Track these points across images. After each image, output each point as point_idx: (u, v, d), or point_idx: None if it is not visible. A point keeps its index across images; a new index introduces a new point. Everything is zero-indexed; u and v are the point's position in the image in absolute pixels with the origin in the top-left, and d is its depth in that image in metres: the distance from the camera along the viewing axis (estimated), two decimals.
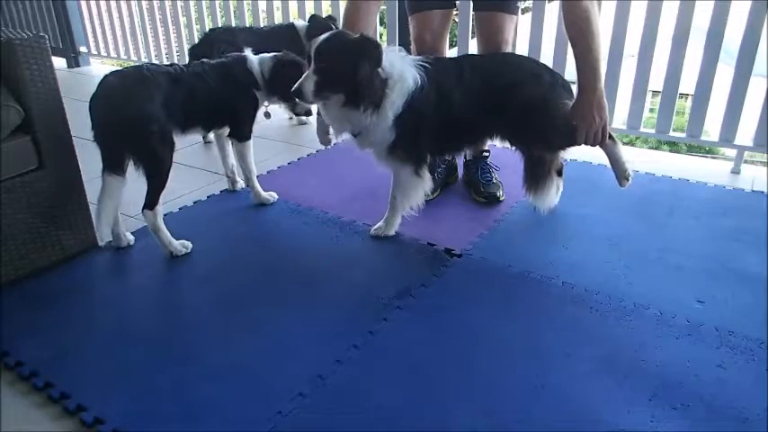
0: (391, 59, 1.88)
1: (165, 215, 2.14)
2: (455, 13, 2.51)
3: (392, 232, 2.19)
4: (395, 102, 1.89)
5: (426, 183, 2.10)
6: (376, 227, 2.21)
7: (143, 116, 1.92)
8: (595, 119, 1.95)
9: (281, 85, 2.19)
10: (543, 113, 2.02)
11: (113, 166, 1.96)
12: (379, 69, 1.83)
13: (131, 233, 2.21)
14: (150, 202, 2.01)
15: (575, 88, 3.17)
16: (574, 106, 1.99)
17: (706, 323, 1.70)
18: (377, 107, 1.87)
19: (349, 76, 1.79)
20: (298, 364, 1.58)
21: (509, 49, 2.36)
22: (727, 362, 1.56)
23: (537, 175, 2.21)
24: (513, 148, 2.19)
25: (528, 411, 1.42)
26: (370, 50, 1.81)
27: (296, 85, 1.81)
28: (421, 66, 1.96)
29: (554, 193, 2.29)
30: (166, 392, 1.50)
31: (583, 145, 2.02)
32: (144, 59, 4.60)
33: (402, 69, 1.90)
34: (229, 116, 2.29)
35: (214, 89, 2.15)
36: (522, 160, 2.23)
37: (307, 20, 3.28)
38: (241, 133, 2.34)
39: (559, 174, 2.31)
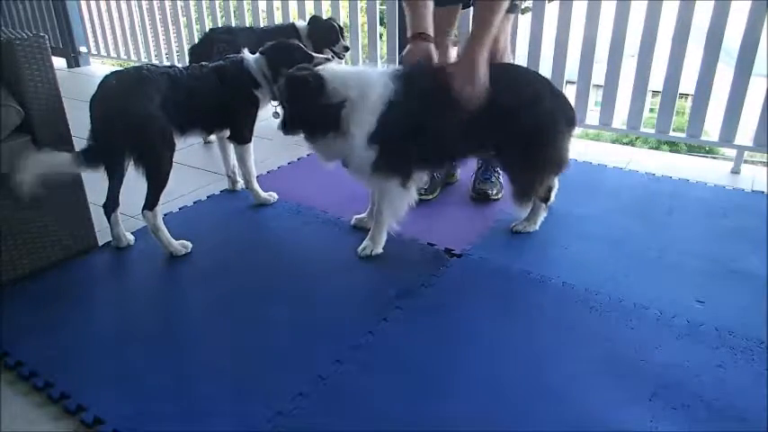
0: (345, 80, 1.85)
1: (164, 215, 2.14)
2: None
3: (380, 249, 2.08)
4: (362, 120, 1.85)
5: (412, 195, 2.03)
6: (363, 246, 2.09)
7: (143, 116, 1.91)
8: (466, 85, 1.89)
9: (282, 68, 2.18)
10: (540, 145, 1.99)
11: (113, 166, 1.96)
12: (327, 96, 1.83)
13: (131, 233, 2.21)
14: (150, 203, 2.00)
15: (574, 88, 3.18)
16: (455, 63, 2.02)
17: (706, 323, 1.70)
18: (338, 132, 1.86)
19: (301, 114, 1.90)
20: (298, 364, 1.58)
21: (506, 50, 2.34)
22: (727, 362, 1.56)
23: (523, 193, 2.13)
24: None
25: (528, 411, 1.42)
26: (302, 87, 1.83)
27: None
28: (400, 77, 1.89)
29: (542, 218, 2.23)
30: (166, 392, 1.50)
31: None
32: (144, 59, 4.60)
33: (363, 87, 1.85)
34: (229, 119, 2.29)
35: (213, 92, 2.15)
36: (509, 180, 2.16)
37: (307, 21, 3.27)
38: (241, 136, 2.33)
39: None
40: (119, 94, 1.93)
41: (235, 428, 1.40)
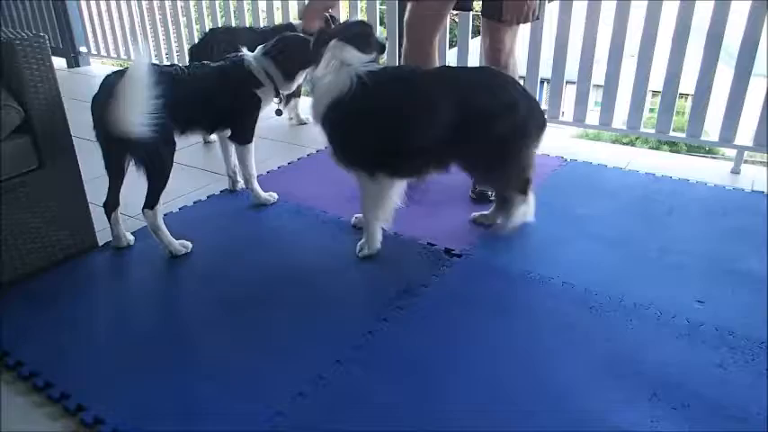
0: (324, 69, 1.95)
1: (165, 215, 2.14)
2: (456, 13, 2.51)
3: (377, 246, 2.07)
4: (316, 104, 1.97)
5: (386, 190, 1.99)
6: (360, 246, 2.09)
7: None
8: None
9: (290, 63, 2.26)
10: (508, 156, 2.00)
11: (113, 166, 1.95)
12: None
13: (131, 233, 2.21)
14: (150, 202, 2.00)
15: (573, 88, 3.17)
16: None
17: (706, 323, 1.70)
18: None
19: None
20: (298, 364, 1.58)
21: (511, 54, 2.35)
22: (727, 362, 1.56)
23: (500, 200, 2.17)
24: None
25: (528, 411, 1.42)
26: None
27: None
28: (367, 74, 1.88)
29: (523, 212, 2.15)
30: (166, 392, 1.50)
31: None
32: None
33: (330, 77, 1.91)
34: (230, 119, 2.29)
35: (214, 92, 2.15)
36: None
37: None
38: (242, 136, 2.33)
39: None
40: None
41: (235, 428, 1.40)
